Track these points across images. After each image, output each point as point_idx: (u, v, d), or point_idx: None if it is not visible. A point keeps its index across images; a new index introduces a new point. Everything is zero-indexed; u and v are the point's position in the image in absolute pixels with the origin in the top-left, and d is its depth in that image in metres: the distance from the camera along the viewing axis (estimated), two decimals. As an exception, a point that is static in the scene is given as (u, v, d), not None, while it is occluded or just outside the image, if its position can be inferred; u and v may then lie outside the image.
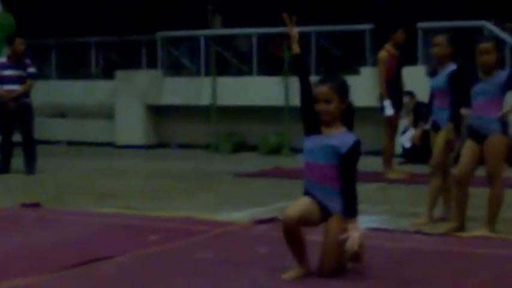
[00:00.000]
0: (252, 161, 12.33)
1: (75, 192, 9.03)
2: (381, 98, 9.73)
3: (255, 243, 5.77)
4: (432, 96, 6.95)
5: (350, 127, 4.82)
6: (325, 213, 4.75)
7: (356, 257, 4.80)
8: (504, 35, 12.01)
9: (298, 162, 12.18)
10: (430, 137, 7.03)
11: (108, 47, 16.39)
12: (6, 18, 12.75)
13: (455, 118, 6.70)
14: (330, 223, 4.72)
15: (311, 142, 4.76)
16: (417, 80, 11.56)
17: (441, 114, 6.78)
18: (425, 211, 6.82)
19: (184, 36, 15.10)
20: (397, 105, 9.84)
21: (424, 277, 4.84)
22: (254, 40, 14.25)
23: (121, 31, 15.86)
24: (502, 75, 6.11)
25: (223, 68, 14.31)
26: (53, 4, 17.40)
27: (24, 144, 10.70)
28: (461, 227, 6.25)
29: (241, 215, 7.19)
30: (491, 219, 6.17)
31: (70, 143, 15.44)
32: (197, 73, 14.80)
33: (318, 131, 4.76)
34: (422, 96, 11.68)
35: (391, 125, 9.84)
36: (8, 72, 10.53)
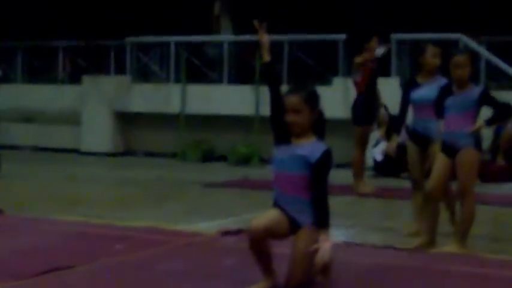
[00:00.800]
0: (220, 171, 12.21)
1: (39, 199, 8.88)
2: (356, 100, 9.62)
3: (222, 254, 5.69)
4: (408, 107, 6.81)
5: (321, 136, 4.70)
6: (294, 226, 4.63)
7: (325, 269, 4.69)
8: (480, 48, 12.04)
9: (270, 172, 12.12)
10: (408, 149, 6.93)
11: (75, 51, 16.17)
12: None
13: None
14: (299, 235, 4.59)
15: (281, 152, 4.64)
16: (390, 92, 11.53)
17: (430, 125, 6.64)
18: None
19: (154, 42, 14.95)
20: (370, 117, 9.77)
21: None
22: (225, 48, 14.15)
23: (89, 35, 15.66)
24: (475, 90, 6.05)
25: (193, 75, 14.18)
26: (20, 6, 17.16)
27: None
28: (432, 242, 6.17)
29: (208, 226, 7.08)
30: (463, 235, 6.09)
31: (35, 149, 15.20)
32: (166, 80, 14.66)
33: (288, 141, 4.64)
34: (396, 108, 11.68)
35: (362, 138, 9.76)
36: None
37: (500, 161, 11.16)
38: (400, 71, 12.74)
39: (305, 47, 13.64)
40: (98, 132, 14.58)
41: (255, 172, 11.90)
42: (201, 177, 11.08)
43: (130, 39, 14.87)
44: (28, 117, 15.89)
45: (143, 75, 15.01)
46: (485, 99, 6.04)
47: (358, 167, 9.74)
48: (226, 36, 14.20)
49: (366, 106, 9.64)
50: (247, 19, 4.62)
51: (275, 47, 13.80)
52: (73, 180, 10.90)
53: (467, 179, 6.02)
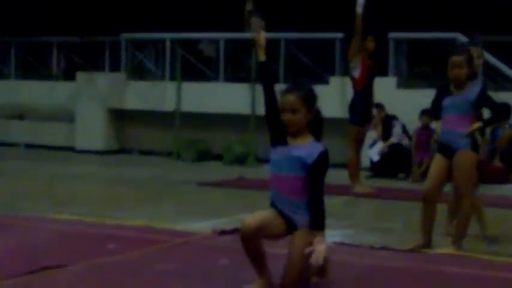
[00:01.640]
0: (215, 170, 12.16)
1: (31, 197, 8.82)
2: (353, 100, 9.53)
3: (216, 254, 5.63)
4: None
5: (318, 137, 4.63)
6: (290, 227, 4.57)
7: (321, 271, 4.62)
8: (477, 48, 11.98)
9: (265, 172, 12.06)
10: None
11: (70, 47, 16.09)
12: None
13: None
14: (295, 236, 4.54)
15: (277, 153, 4.57)
16: (387, 92, 11.50)
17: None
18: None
19: (149, 38, 14.87)
20: (366, 117, 9.71)
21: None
22: (221, 45, 14.09)
23: (84, 32, 15.59)
24: (473, 90, 6.00)
25: (188, 73, 14.11)
26: (14, 2, 17.08)
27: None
28: (428, 243, 6.12)
29: (202, 225, 7.02)
30: (459, 236, 6.06)
31: (28, 146, 15.11)
32: (161, 77, 14.59)
33: (284, 141, 4.56)
34: (392, 108, 11.65)
35: (358, 138, 9.70)
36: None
37: (498, 163, 11.12)
38: (397, 70, 12.70)
39: (302, 45, 13.58)
40: (92, 130, 14.51)
41: (250, 171, 11.85)
42: (196, 176, 11.02)
43: (125, 36, 14.80)
44: (21, 114, 15.81)
45: (138, 72, 14.93)
46: (482, 100, 6.01)
47: (353, 168, 9.68)
48: (222, 34, 14.13)
49: (363, 106, 9.58)
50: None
51: (271, 45, 13.85)
52: (66, 178, 10.82)
53: (464, 180, 5.98)
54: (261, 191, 9.63)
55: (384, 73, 12.20)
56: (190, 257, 5.60)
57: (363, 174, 10.58)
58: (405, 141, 11.65)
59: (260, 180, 10.88)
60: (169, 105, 13.98)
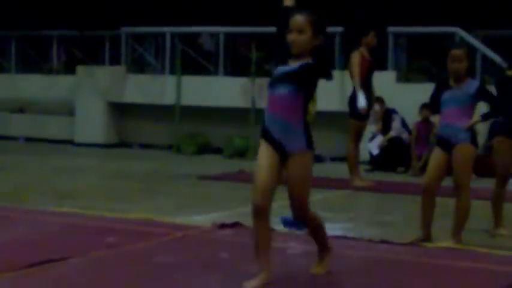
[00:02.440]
0: (215, 164, 12.16)
1: (32, 190, 8.82)
2: (353, 93, 9.50)
3: (216, 247, 5.63)
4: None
5: (325, 76, 4.55)
6: (283, 154, 4.54)
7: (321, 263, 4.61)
8: (476, 42, 11.99)
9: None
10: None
11: (70, 41, 16.07)
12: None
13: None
14: (291, 162, 4.52)
15: (275, 74, 4.53)
16: (386, 86, 11.49)
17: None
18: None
19: (149, 32, 14.86)
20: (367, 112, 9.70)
21: (384, 287, 4.75)
22: (221, 39, 14.08)
23: (84, 25, 15.57)
24: (473, 84, 6.02)
25: (188, 67, 14.10)
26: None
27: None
28: (427, 236, 6.14)
29: (203, 219, 7.04)
30: (458, 230, 6.09)
31: (28, 139, 15.12)
32: (161, 71, 14.58)
33: (285, 63, 4.53)
34: (392, 102, 11.66)
35: (357, 132, 9.70)
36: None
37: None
38: (396, 64, 12.70)
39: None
40: (92, 123, 14.51)
41: (250, 165, 11.80)
42: (196, 169, 11.03)
43: (125, 30, 14.78)
44: (22, 108, 15.81)
45: (138, 65, 14.92)
46: (482, 94, 6.02)
47: (352, 161, 9.69)
48: (221, 28, 14.12)
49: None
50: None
51: (271, 39, 13.84)
52: (66, 171, 10.83)
53: (463, 174, 6.00)
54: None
55: (383, 67, 12.20)
56: (190, 250, 5.61)
57: (363, 168, 10.60)
58: (404, 135, 11.66)
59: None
60: (169, 99, 13.99)
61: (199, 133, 13.81)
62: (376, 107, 10.88)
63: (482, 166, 10.13)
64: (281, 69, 4.53)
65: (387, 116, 11.63)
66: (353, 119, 9.62)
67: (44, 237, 5.94)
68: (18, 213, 7.01)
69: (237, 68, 14.03)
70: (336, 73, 12.58)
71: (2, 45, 16.17)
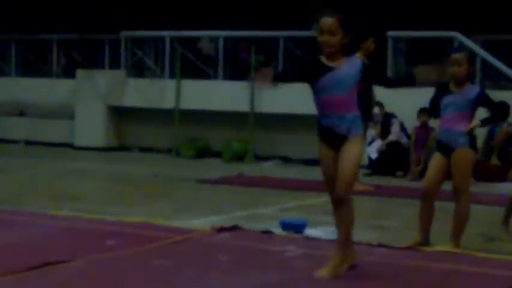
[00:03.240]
0: (214, 167, 12.16)
1: (31, 193, 8.83)
2: None
3: (216, 251, 5.64)
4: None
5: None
6: (341, 142, 4.91)
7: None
8: (475, 47, 12.00)
9: (264, 169, 12.06)
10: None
11: (70, 45, 16.09)
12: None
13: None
14: (348, 143, 4.89)
15: (323, 80, 4.89)
16: (385, 90, 11.46)
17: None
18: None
19: (148, 36, 14.88)
20: (366, 116, 9.70)
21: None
22: (221, 43, 14.10)
23: (84, 29, 15.59)
24: (473, 90, 6.03)
25: (188, 71, 14.12)
26: (14, -1, 17.07)
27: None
28: (426, 241, 6.14)
29: (202, 222, 7.04)
30: (457, 234, 6.08)
31: (28, 143, 15.12)
32: (161, 75, 14.60)
33: (323, 68, 4.89)
34: (391, 106, 11.66)
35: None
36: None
37: (495, 161, 11.14)
38: (395, 68, 12.71)
39: (300, 43, 13.59)
40: (92, 127, 14.52)
41: (249, 168, 11.86)
42: (195, 173, 11.04)
43: (125, 34, 14.80)
44: (21, 111, 15.82)
45: (138, 69, 14.93)
46: (482, 100, 6.02)
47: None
48: (221, 32, 14.14)
49: (362, 104, 9.56)
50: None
51: (270, 43, 13.84)
52: (66, 174, 10.83)
53: (462, 178, 6.00)
54: (260, 188, 9.69)
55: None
56: (189, 253, 5.61)
57: (361, 171, 10.60)
58: (403, 140, 11.68)
59: (259, 177, 10.92)
60: (168, 103, 14.00)
61: (198, 137, 13.83)
62: (377, 110, 10.89)
63: (482, 170, 10.17)
64: (330, 75, 4.89)
65: (386, 120, 11.64)
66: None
67: (44, 240, 5.95)
68: (18, 216, 7.01)
69: (236, 72, 14.05)
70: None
71: (2, 48, 16.17)
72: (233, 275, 4.88)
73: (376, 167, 11.59)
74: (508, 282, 5.06)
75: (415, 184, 9.97)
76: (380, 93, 10.72)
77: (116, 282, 4.77)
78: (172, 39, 14.39)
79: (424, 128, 11.33)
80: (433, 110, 6.29)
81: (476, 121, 6.07)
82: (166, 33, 14.46)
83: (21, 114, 15.83)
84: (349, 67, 4.92)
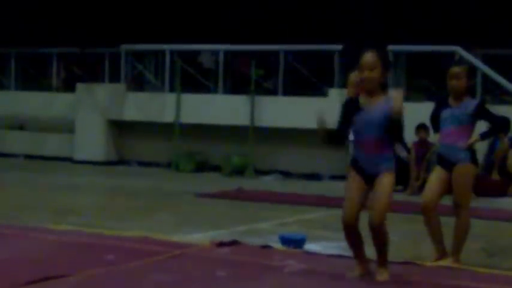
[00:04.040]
0: (214, 182, 12.15)
1: (30, 207, 8.81)
2: None
3: (215, 266, 5.61)
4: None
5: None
6: (372, 179, 5.12)
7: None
8: (476, 61, 12.01)
9: (264, 183, 12.04)
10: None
11: (70, 58, 16.11)
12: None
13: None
14: (381, 178, 5.10)
15: (359, 119, 5.11)
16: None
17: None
18: None
19: (148, 50, 14.90)
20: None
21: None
22: (221, 57, 14.11)
23: (84, 43, 15.61)
24: (472, 103, 6.01)
25: (188, 85, 14.12)
26: (14, 13, 17.09)
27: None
28: (443, 253, 6.03)
29: (201, 237, 7.01)
30: (457, 249, 6.04)
31: (28, 157, 15.10)
32: (161, 89, 14.61)
33: (358, 109, 5.10)
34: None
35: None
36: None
37: (495, 176, 11.12)
38: (395, 82, 12.71)
39: (301, 56, 13.61)
40: (92, 141, 14.51)
41: (249, 183, 11.84)
42: (194, 187, 11.02)
43: (125, 47, 14.82)
44: (21, 125, 15.81)
45: (138, 83, 14.94)
46: (480, 113, 6.00)
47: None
48: (221, 46, 14.16)
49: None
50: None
51: (270, 56, 13.85)
52: (65, 188, 10.81)
53: (463, 194, 5.97)
54: (259, 203, 9.66)
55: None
56: (188, 268, 5.58)
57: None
58: (403, 154, 11.66)
59: (259, 191, 10.90)
60: (168, 117, 14.00)
61: (198, 151, 13.82)
62: None
63: (482, 185, 10.14)
64: (365, 116, 5.12)
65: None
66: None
67: (43, 254, 5.92)
68: (17, 230, 6.98)
69: (236, 85, 14.06)
70: (335, 91, 12.66)
71: (2, 62, 16.20)
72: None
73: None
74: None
75: (414, 199, 9.94)
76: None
77: (114, 297, 4.75)
78: (173, 53, 14.41)
79: (422, 143, 11.32)
80: (433, 124, 6.28)
81: (475, 136, 6.05)
82: (167, 47, 14.48)
83: (21, 128, 15.83)
84: (383, 107, 5.08)
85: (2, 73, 16.27)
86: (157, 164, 14.12)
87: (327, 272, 5.04)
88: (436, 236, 6.06)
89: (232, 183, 11.61)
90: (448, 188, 6.05)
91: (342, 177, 10.72)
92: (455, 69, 5.98)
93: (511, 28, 13.33)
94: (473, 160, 6.00)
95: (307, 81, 13.33)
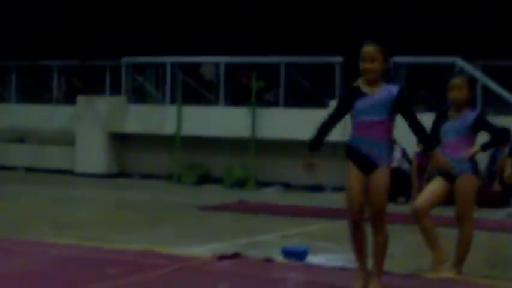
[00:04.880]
0: (215, 194, 12.13)
1: (31, 220, 8.80)
2: None
3: (216, 279, 5.60)
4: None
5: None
6: (371, 168, 5.13)
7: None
8: (476, 72, 12.01)
9: (265, 195, 12.02)
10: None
11: (70, 71, 16.12)
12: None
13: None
14: (378, 171, 5.11)
15: (360, 103, 5.14)
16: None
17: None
18: None
19: (149, 62, 14.91)
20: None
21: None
22: (222, 69, 14.13)
23: (84, 55, 15.63)
24: (471, 115, 6.00)
25: (189, 97, 14.13)
26: (15, 26, 17.12)
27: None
28: (440, 255, 6.00)
29: (203, 250, 6.99)
30: (459, 261, 6.02)
31: (28, 170, 15.09)
32: (162, 101, 14.61)
33: (361, 94, 5.13)
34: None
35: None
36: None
37: (497, 186, 11.10)
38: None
39: (302, 69, 13.62)
40: (92, 153, 14.51)
41: (250, 195, 11.82)
42: (196, 200, 11.01)
43: (125, 60, 14.84)
44: (22, 138, 15.81)
45: (139, 95, 14.95)
46: (480, 125, 5.99)
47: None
48: (222, 58, 14.18)
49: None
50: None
51: (272, 69, 13.87)
52: (66, 201, 10.80)
53: (466, 205, 5.96)
54: (261, 215, 9.65)
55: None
56: (190, 281, 5.57)
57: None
58: (405, 166, 11.65)
59: (260, 203, 10.88)
60: (169, 129, 14.00)
61: (199, 163, 13.81)
62: None
63: (483, 196, 10.12)
64: (368, 99, 5.15)
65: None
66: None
67: (44, 269, 5.91)
68: (18, 244, 6.97)
69: (237, 97, 14.07)
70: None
71: (3, 75, 16.21)
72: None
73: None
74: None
75: (416, 210, 9.91)
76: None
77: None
78: (173, 65, 14.43)
79: (425, 154, 11.29)
80: (433, 136, 6.26)
81: (476, 147, 6.04)
82: (167, 59, 14.50)
83: (22, 140, 15.83)
84: (385, 93, 5.14)
85: (3, 86, 16.28)
86: (158, 177, 14.11)
87: (329, 285, 5.01)
88: (430, 242, 6.01)
89: (233, 196, 11.60)
90: (445, 199, 6.03)
91: (343, 189, 10.74)
92: (456, 80, 5.99)
93: (510, 39, 13.34)
94: (475, 171, 5.99)
95: (308, 93, 13.35)
